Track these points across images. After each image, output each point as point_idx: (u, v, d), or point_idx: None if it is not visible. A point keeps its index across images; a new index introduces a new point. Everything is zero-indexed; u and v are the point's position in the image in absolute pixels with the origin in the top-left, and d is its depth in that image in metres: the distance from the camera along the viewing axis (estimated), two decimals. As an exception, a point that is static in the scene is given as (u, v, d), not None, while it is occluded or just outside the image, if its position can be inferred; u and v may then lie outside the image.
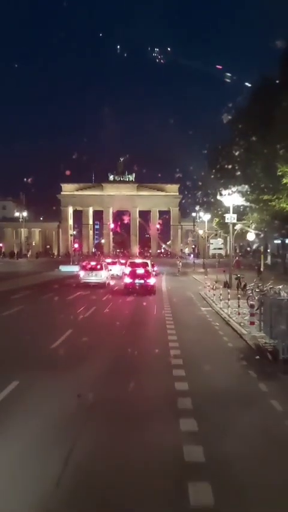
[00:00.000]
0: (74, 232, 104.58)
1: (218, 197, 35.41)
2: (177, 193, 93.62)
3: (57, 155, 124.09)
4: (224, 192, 30.92)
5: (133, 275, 25.02)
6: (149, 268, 29.26)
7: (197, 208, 46.15)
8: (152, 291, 24.38)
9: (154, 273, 35.22)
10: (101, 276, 29.99)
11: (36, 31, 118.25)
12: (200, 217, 76.24)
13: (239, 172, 25.66)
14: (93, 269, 30.50)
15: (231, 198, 24.86)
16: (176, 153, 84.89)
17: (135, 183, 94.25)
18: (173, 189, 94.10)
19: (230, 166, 25.57)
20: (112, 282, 32.08)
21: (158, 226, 70.40)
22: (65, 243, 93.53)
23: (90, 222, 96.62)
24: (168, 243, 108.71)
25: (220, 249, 31.24)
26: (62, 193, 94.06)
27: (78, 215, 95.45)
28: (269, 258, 37.84)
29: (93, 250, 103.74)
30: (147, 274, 25.05)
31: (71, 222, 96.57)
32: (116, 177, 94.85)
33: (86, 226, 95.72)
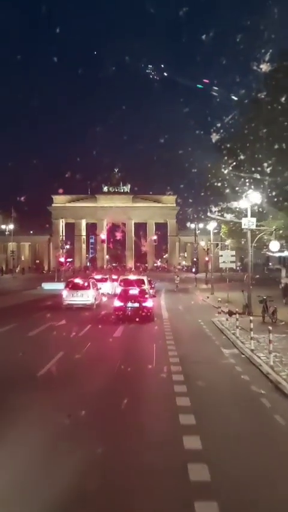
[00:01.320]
0: (67, 246, 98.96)
1: (209, 214, 35.74)
2: (174, 205, 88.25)
3: (49, 166, 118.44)
4: (213, 209, 31.30)
5: (125, 296, 19.07)
6: (145, 286, 23.32)
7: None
8: (149, 317, 18.46)
9: (152, 291, 29.27)
10: (87, 297, 24.05)
11: (28, 45, 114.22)
12: (198, 229, 70.70)
13: (227, 190, 25.17)
14: (78, 288, 24.56)
15: (252, 196, 19.09)
16: (172, 163, 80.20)
17: (130, 194, 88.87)
18: (169, 200, 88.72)
19: (219, 184, 25.10)
20: (104, 300, 26.09)
21: (155, 237, 64.52)
22: (56, 257, 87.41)
23: (83, 235, 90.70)
24: (165, 256, 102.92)
25: (232, 262, 25.35)
26: (53, 205, 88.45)
27: (71, 228, 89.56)
28: (283, 272, 31.90)
29: (88, 265, 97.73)
30: (143, 296, 19.09)
31: (62, 235, 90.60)
32: (110, 188, 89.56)
33: (79, 240, 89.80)
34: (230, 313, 19.03)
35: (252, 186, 20.93)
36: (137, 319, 17.87)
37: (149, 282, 29.34)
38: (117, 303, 18.84)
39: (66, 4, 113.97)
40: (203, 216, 58.20)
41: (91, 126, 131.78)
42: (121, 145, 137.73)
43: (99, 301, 25.73)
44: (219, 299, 21.91)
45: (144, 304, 18.60)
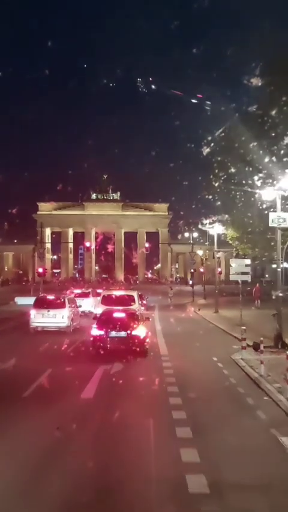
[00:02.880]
0: (55, 257, 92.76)
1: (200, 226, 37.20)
2: (167, 213, 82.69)
3: (35, 172, 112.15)
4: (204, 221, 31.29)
5: (107, 321, 13.19)
6: (136, 305, 17.47)
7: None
8: (141, 352, 12.70)
9: (143, 309, 23.32)
10: (61, 317, 18.17)
11: (19, 58, 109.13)
12: (192, 238, 65.26)
13: (219, 203, 25.83)
14: (49, 306, 18.64)
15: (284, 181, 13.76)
16: (164, 176, 75.34)
17: (120, 202, 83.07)
18: (161, 208, 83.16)
19: (210, 197, 25.30)
20: (82, 322, 20.14)
21: (147, 245, 58.63)
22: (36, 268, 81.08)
23: (71, 244, 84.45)
24: (156, 267, 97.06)
25: (245, 273, 19.63)
26: (38, 212, 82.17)
27: (58, 238, 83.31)
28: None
29: (77, 276, 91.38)
30: (133, 320, 13.19)
31: (48, 244, 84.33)
32: (99, 196, 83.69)
33: (66, 249, 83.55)
34: (256, 347, 13.26)
35: (243, 199, 21.31)
36: (124, 357, 12.03)
37: (140, 296, 23.56)
38: (96, 331, 12.92)
39: (57, 17, 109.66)
40: (194, 229, 53.86)
41: (81, 137, 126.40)
42: (111, 156, 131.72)
43: (78, 323, 19.82)
44: (244, 328, 16.06)
45: (134, 333, 12.74)
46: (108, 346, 12.60)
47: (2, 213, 72.84)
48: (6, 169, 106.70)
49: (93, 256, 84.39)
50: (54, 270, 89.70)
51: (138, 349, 12.60)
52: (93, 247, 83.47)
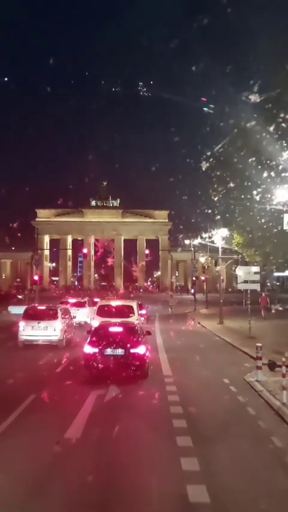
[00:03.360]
0: (53, 265, 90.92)
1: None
2: (167, 220, 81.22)
3: (34, 179, 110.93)
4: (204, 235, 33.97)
5: (102, 337, 11.46)
6: (135, 317, 15.81)
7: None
8: (141, 373, 11.02)
9: (143, 319, 21.64)
10: (53, 330, 16.45)
11: (21, 74, 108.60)
12: (193, 246, 63.84)
13: (218, 217, 26.77)
14: (40, 317, 16.91)
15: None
16: (165, 177, 73.86)
17: (119, 209, 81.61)
18: (162, 215, 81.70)
19: (209, 211, 26.44)
20: (76, 335, 18.48)
21: (146, 251, 56.85)
22: (30, 276, 79.28)
23: (69, 248, 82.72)
24: (155, 275, 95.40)
25: (254, 282, 17.94)
26: (37, 219, 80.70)
27: (57, 245, 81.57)
28: None
29: (76, 284, 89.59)
30: (132, 336, 11.47)
31: (47, 252, 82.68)
32: (98, 202, 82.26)
33: (64, 257, 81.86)
34: (272, 367, 11.59)
35: (242, 214, 22.00)
36: (121, 379, 10.34)
37: (140, 306, 21.91)
38: (89, 349, 11.18)
39: (58, 29, 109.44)
40: (194, 238, 53.47)
41: (81, 148, 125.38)
42: (112, 165, 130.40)
43: (72, 335, 18.12)
44: (260, 345, 14.38)
45: (133, 351, 11.00)
46: (103, 366, 10.88)
47: (1, 221, 71.47)
48: (6, 177, 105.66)
49: (92, 263, 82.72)
50: (53, 278, 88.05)
51: (137, 370, 10.90)
52: (92, 253, 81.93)
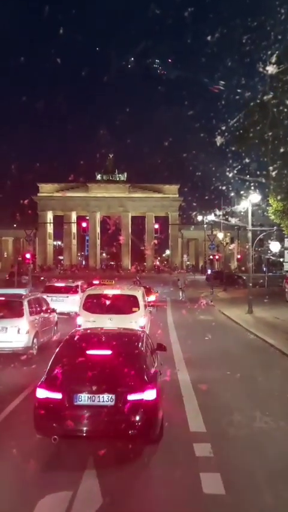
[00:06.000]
0: (60, 243, 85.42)
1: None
2: (177, 195, 74.85)
3: (37, 152, 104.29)
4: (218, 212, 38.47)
5: (73, 369, 5.72)
6: (140, 312, 10.15)
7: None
8: (147, 436, 5.40)
9: (152, 309, 16.08)
10: (16, 332, 10.73)
11: (31, 46, 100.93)
12: (206, 222, 57.75)
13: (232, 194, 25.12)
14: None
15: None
16: (176, 151, 67.24)
17: (127, 183, 75.30)
18: (172, 190, 75.28)
19: (224, 188, 25.19)
20: (57, 334, 12.91)
21: (156, 226, 50.83)
22: (42, 254, 74.05)
23: (74, 229, 77.01)
24: (164, 254, 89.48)
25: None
26: (39, 194, 74.80)
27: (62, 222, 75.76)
28: None
29: (83, 264, 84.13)
30: (132, 366, 5.72)
31: (50, 229, 77.15)
32: (104, 176, 75.98)
33: (68, 234, 76.25)
34: None
35: (257, 190, 21.33)
36: (108, 452, 4.74)
37: (148, 291, 16.29)
38: (45, 393, 5.49)
39: (68, 4, 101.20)
40: (207, 218, 49.77)
41: (90, 119, 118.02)
42: (119, 137, 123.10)
43: (50, 337, 12.56)
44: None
45: (132, 398, 5.33)
46: (72, 427, 5.29)
47: (3, 196, 65.74)
48: (11, 152, 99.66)
49: (98, 242, 77.09)
50: (60, 257, 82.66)
51: (139, 433, 5.28)
52: (98, 231, 76.15)
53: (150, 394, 5.44)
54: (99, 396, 5.38)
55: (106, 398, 5.38)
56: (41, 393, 5.50)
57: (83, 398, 5.40)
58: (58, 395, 5.41)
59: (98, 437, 5.36)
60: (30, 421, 5.50)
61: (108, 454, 5.21)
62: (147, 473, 5.10)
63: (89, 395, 5.39)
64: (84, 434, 5.37)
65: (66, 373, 5.61)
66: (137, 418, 5.30)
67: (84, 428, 5.38)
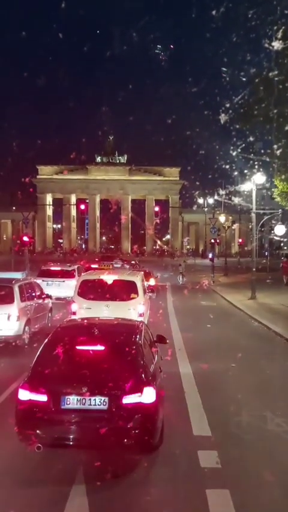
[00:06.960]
0: (59, 226, 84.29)
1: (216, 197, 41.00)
2: (178, 178, 73.55)
3: (36, 134, 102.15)
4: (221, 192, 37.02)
5: (60, 369, 4.96)
6: (139, 299, 9.36)
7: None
8: (144, 443, 4.73)
9: (151, 295, 15.36)
10: (6, 319, 9.93)
11: (33, 20, 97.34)
12: (206, 206, 56.76)
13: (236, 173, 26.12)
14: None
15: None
16: (177, 132, 65.47)
17: (127, 166, 73.90)
18: (172, 173, 73.94)
19: (227, 167, 24.07)
20: (53, 319, 12.21)
21: (156, 209, 49.82)
22: (41, 237, 73.19)
23: (74, 212, 75.92)
24: (165, 238, 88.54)
25: None
26: (38, 177, 73.38)
27: (61, 205, 74.50)
28: None
29: (83, 247, 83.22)
30: (129, 364, 5.00)
31: (49, 212, 76.14)
32: (104, 159, 74.53)
33: (68, 217, 75.21)
34: None
35: (261, 169, 20.75)
36: (100, 460, 4.02)
37: (147, 275, 15.57)
38: (27, 395, 4.76)
39: None
40: (209, 200, 49.33)
41: (89, 103, 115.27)
42: (120, 118, 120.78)
43: (44, 323, 11.86)
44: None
45: (128, 401, 4.60)
46: (58, 435, 4.59)
47: (2, 180, 64.52)
48: (10, 132, 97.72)
49: (98, 225, 76.10)
50: (60, 240, 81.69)
51: (135, 441, 4.56)
52: (97, 214, 75.10)
53: (148, 396, 4.70)
54: (90, 399, 4.64)
55: (98, 402, 4.64)
56: (23, 395, 4.76)
57: (72, 402, 4.66)
58: (43, 398, 4.67)
59: (88, 447, 4.64)
60: (12, 426, 4.78)
61: (100, 466, 4.50)
62: (144, 491, 4.39)
63: (79, 398, 4.65)
64: (72, 443, 4.66)
65: (52, 372, 4.86)
66: (134, 424, 4.58)
67: (73, 436, 4.68)
